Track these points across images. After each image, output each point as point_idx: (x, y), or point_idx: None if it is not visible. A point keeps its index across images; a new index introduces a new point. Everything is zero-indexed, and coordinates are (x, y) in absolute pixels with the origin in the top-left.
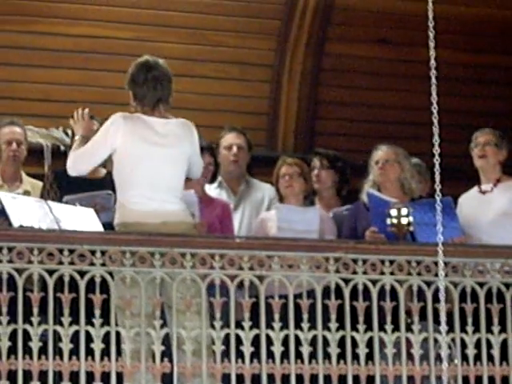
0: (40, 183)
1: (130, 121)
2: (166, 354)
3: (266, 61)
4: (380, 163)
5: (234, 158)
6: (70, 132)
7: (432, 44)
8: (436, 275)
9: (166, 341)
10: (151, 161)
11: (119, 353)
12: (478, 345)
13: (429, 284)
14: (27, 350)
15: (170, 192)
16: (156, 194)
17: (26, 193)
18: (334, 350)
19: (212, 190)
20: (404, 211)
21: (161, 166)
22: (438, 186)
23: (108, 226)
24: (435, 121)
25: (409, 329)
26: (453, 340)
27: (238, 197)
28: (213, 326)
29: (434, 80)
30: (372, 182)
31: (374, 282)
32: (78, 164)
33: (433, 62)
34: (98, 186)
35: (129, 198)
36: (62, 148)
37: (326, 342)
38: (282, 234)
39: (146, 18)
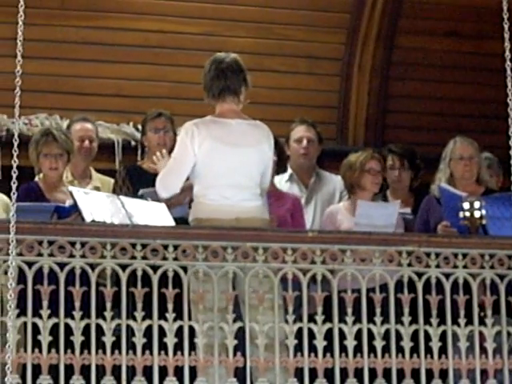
0: (109, 179)
1: (202, 125)
2: (239, 348)
3: (335, 54)
4: (466, 160)
5: (304, 151)
6: (140, 127)
7: (507, 36)
8: (509, 268)
9: (240, 335)
10: (228, 160)
11: (192, 347)
12: None
13: (502, 277)
14: (100, 345)
15: (247, 190)
16: (232, 192)
17: (96, 189)
18: (407, 344)
19: (282, 183)
20: (477, 204)
21: (238, 164)
22: None
23: (181, 220)
24: (511, 113)
25: (482, 322)
26: None
27: (308, 190)
28: (286, 321)
29: (509, 72)
30: (445, 174)
31: (447, 276)
32: (168, 184)
33: (508, 54)
34: None
35: (204, 196)
36: (133, 143)
37: (399, 336)
38: (359, 229)
39: (214, 13)
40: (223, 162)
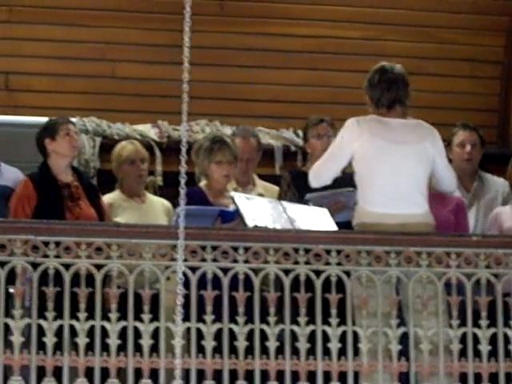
0: (273, 187)
1: (364, 123)
2: (403, 352)
3: (495, 57)
4: None
5: (468, 156)
6: (299, 132)
7: None
8: None
9: (404, 340)
10: (390, 158)
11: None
12: None
13: None
14: (263, 350)
15: (411, 191)
16: (396, 193)
17: (260, 196)
18: None
19: None
20: None
21: (400, 163)
22: None
23: (348, 225)
24: None
25: None
26: None
27: (471, 194)
28: (450, 325)
29: None
30: None
31: None
32: (320, 174)
33: None
34: (336, 184)
35: (368, 199)
36: (293, 148)
37: None
38: None
39: (373, 17)
40: (384, 158)
